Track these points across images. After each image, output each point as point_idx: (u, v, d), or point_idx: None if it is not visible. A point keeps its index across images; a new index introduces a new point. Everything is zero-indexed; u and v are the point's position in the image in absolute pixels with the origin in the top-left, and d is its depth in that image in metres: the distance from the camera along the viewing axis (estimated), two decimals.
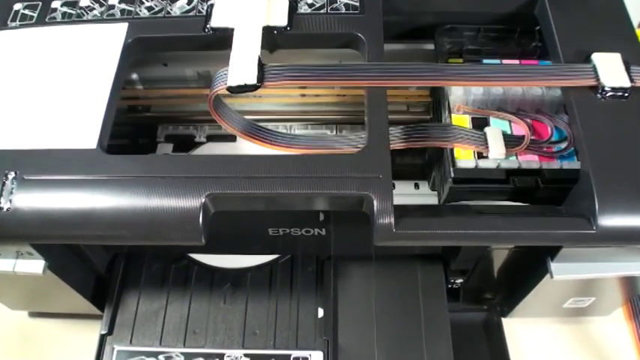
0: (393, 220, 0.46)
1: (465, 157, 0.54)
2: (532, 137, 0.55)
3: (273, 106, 0.70)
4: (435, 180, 0.64)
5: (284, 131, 0.64)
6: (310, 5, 0.58)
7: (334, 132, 0.70)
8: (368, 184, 0.47)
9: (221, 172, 0.48)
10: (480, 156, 0.54)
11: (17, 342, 0.71)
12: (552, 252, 0.52)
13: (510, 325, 0.68)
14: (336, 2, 0.58)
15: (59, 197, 0.48)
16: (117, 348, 0.60)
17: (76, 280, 0.61)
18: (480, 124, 0.56)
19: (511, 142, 0.54)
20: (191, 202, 0.47)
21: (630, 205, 0.47)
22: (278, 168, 0.48)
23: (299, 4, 0.58)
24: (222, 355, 0.60)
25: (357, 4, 0.58)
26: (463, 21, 0.62)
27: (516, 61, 0.60)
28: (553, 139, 0.56)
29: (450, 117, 0.57)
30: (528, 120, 0.57)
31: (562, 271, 0.53)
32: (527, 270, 0.58)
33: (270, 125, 0.69)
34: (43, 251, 0.54)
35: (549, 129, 0.56)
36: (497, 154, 0.54)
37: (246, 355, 0.60)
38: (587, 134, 0.50)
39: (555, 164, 0.54)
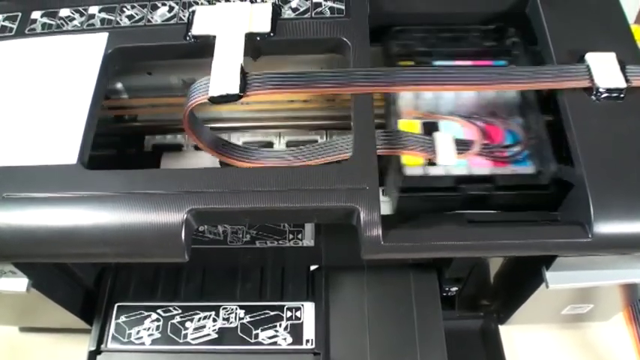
0: (380, 232, 0.45)
1: (413, 164, 0.52)
2: (484, 142, 0.53)
3: (261, 112, 0.68)
4: (387, 188, 0.62)
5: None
6: (294, 10, 0.56)
7: (324, 138, 0.68)
8: (354, 196, 0.45)
9: (203, 186, 0.47)
10: (430, 163, 0.52)
11: (7, 357, 0.70)
12: (547, 261, 0.51)
13: (508, 332, 0.67)
14: (321, 6, 0.56)
15: (39, 215, 0.47)
16: (117, 303, 0.62)
17: (63, 296, 0.60)
18: (431, 129, 0.54)
19: (461, 147, 0.52)
20: (173, 219, 0.46)
21: (627, 211, 0.46)
22: (261, 181, 0.46)
23: (282, 9, 0.56)
24: (218, 307, 0.61)
25: (343, 7, 0.56)
26: (448, 22, 0.60)
27: (469, 62, 0.57)
28: (506, 142, 0.54)
29: (397, 122, 0.55)
30: (480, 124, 0.54)
31: (558, 280, 0.51)
32: (522, 278, 0.56)
33: (258, 132, 0.68)
34: (26, 269, 0.53)
35: (502, 132, 0.54)
36: (446, 161, 0.51)
37: (241, 307, 0.60)
38: (581, 137, 0.48)
39: (508, 169, 0.52)
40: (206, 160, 0.66)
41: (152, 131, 0.70)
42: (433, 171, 0.51)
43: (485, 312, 0.67)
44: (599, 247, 0.46)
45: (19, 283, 0.54)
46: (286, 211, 0.46)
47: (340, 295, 0.61)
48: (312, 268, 0.62)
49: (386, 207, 0.60)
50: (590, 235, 0.45)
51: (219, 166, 0.62)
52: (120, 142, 0.70)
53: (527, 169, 0.51)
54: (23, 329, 0.72)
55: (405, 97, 0.55)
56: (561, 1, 0.56)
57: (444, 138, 0.52)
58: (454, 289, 0.62)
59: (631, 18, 0.58)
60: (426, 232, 0.47)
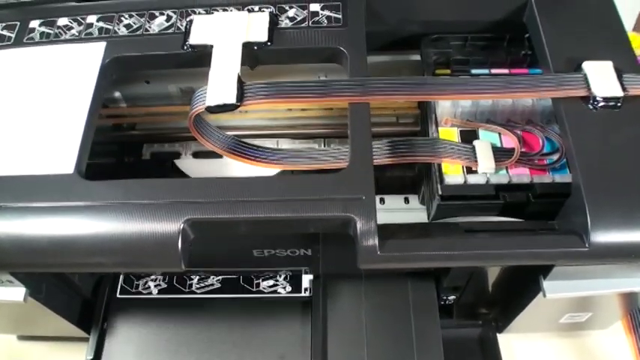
0: (377, 242, 0.45)
1: (453, 172, 0.52)
2: (522, 149, 0.53)
3: (260, 121, 0.68)
4: (425, 195, 0.62)
5: (271, 146, 0.62)
6: (291, 19, 0.56)
7: (322, 146, 0.68)
8: (351, 206, 0.45)
9: (200, 196, 0.47)
10: (470, 171, 0.52)
11: None
12: (544, 270, 0.51)
13: (507, 341, 0.67)
14: (318, 15, 0.56)
15: (36, 225, 0.47)
16: None
17: (60, 305, 0.60)
18: (469, 137, 0.55)
19: (501, 155, 0.53)
20: (169, 229, 0.45)
21: (624, 220, 0.45)
22: (258, 191, 0.46)
23: (280, 19, 0.56)
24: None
25: (340, 16, 0.56)
26: (451, 30, 0.60)
27: (506, 70, 0.58)
28: (544, 150, 0.54)
29: (438, 130, 0.55)
30: (518, 132, 0.55)
31: (555, 290, 0.51)
32: (520, 287, 0.56)
33: (256, 141, 0.68)
34: (24, 279, 0.53)
35: (540, 140, 0.55)
36: (486, 169, 0.52)
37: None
38: (578, 146, 0.48)
39: (547, 178, 0.52)
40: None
41: (150, 139, 0.70)
42: (473, 179, 0.52)
43: (484, 320, 0.67)
44: (597, 257, 0.46)
45: (16, 293, 0.54)
46: (283, 220, 0.46)
47: (338, 303, 0.61)
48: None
49: (422, 215, 0.63)
50: (587, 245, 0.45)
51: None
52: (118, 151, 0.70)
53: (567, 177, 0.51)
54: (22, 337, 0.72)
55: (443, 105, 0.56)
56: (558, 10, 0.56)
57: (484, 146, 0.53)
58: (452, 297, 0.62)
59: (628, 25, 0.57)
60: (423, 241, 0.47)
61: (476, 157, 0.52)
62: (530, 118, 0.57)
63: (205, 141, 0.53)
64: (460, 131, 0.55)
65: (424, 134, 0.58)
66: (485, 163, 0.52)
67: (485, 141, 0.54)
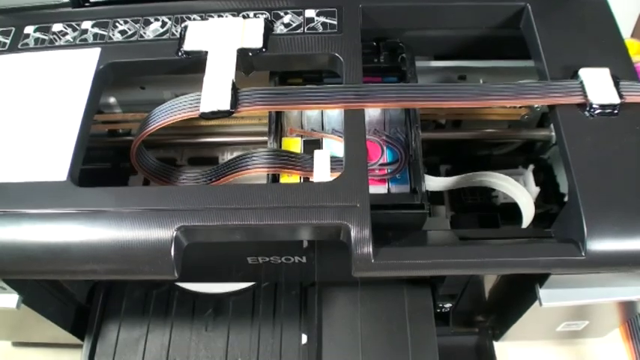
0: (371, 250, 0.44)
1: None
2: None
3: (258, 127, 0.68)
4: None
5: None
6: (287, 25, 0.56)
7: None
8: (345, 213, 0.45)
9: (193, 203, 0.46)
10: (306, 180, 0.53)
11: None
12: (541, 278, 0.50)
13: (503, 349, 0.67)
14: (313, 22, 0.56)
15: (29, 232, 0.46)
16: None
17: (54, 312, 0.60)
18: (313, 146, 0.55)
19: (338, 165, 0.51)
20: (162, 236, 0.45)
21: (621, 228, 0.45)
22: (252, 198, 0.46)
23: (275, 25, 0.56)
24: None
25: (335, 22, 0.56)
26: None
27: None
28: (386, 160, 0.54)
29: (279, 141, 0.56)
30: None
31: (551, 298, 0.51)
32: (516, 296, 0.56)
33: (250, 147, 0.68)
34: (17, 285, 0.53)
35: (382, 150, 0.55)
36: (321, 178, 0.51)
37: None
38: (574, 154, 0.48)
39: (383, 188, 0.52)
40: None
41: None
42: None
43: (480, 328, 0.67)
44: (593, 265, 0.46)
45: (9, 299, 0.53)
46: (276, 228, 0.46)
47: (333, 310, 0.61)
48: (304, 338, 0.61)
49: None
50: (583, 253, 0.45)
51: None
52: (114, 156, 0.70)
53: (404, 187, 0.51)
54: (16, 344, 0.72)
55: (292, 115, 0.56)
56: (555, 17, 0.56)
57: (322, 155, 0.53)
58: (448, 305, 0.62)
59: (626, 32, 0.57)
60: (417, 249, 0.46)
61: (312, 167, 0.52)
62: (376, 127, 0.57)
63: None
64: (304, 141, 0.56)
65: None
66: (321, 172, 0.52)
67: (325, 151, 0.54)
